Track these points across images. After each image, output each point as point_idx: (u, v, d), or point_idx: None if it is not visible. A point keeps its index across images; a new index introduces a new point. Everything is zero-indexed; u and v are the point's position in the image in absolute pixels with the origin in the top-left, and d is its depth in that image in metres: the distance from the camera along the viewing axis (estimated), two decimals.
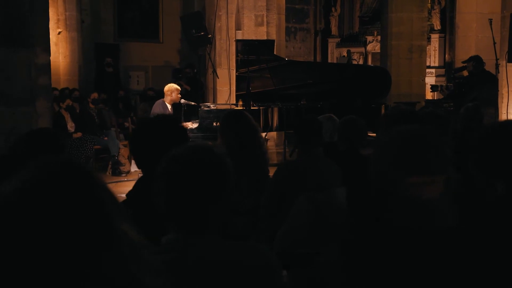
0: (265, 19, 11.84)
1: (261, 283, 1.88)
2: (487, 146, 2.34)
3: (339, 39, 17.85)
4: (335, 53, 17.58)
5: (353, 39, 17.76)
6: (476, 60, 10.39)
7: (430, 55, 15.54)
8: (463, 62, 10.96)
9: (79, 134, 10.87)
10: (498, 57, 9.55)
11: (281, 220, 4.21)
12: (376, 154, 1.84)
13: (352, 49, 17.39)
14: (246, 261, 1.89)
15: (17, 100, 4.23)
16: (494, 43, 9.42)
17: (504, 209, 2.27)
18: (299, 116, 9.51)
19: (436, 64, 15.60)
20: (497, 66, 9.71)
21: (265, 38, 11.52)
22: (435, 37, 15.73)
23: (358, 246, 1.77)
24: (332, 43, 17.75)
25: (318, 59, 17.36)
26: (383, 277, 1.69)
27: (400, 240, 1.72)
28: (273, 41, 10.77)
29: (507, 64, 9.01)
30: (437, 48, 15.55)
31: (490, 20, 9.62)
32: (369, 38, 16.84)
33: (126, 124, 12.60)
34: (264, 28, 11.81)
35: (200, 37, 11.58)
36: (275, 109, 9.89)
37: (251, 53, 9.99)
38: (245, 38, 11.38)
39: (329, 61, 17.41)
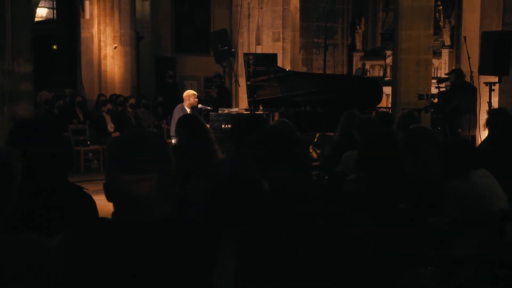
0: (281, 36, 12.13)
1: (34, 268, 1.81)
2: (257, 149, 2.37)
3: (362, 53, 17.79)
4: (359, 66, 17.49)
5: (375, 53, 17.81)
6: (457, 72, 10.38)
7: (441, 68, 15.42)
8: (446, 74, 10.80)
9: (117, 134, 11.28)
10: (472, 70, 9.39)
11: None
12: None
13: (374, 62, 17.47)
14: (19, 251, 1.82)
15: None
16: (469, 57, 9.28)
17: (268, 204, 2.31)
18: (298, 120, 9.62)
19: (446, 77, 15.31)
20: (471, 77, 9.58)
21: (281, 52, 11.73)
22: (445, 52, 15.60)
23: (77, 240, 1.79)
24: (356, 56, 17.75)
25: (344, 71, 17.30)
26: (96, 268, 1.72)
27: (113, 232, 1.76)
28: (275, 54, 10.98)
29: (479, 76, 8.91)
30: (447, 62, 15.40)
31: (464, 38, 9.49)
32: (388, 52, 16.79)
33: (163, 126, 12.98)
34: (280, 43, 12.11)
35: (224, 51, 11.82)
36: (276, 114, 10.01)
37: (259, 65, 10.14)
38: (264, 52, 11.59)
39: (353, 73, 17.35)
